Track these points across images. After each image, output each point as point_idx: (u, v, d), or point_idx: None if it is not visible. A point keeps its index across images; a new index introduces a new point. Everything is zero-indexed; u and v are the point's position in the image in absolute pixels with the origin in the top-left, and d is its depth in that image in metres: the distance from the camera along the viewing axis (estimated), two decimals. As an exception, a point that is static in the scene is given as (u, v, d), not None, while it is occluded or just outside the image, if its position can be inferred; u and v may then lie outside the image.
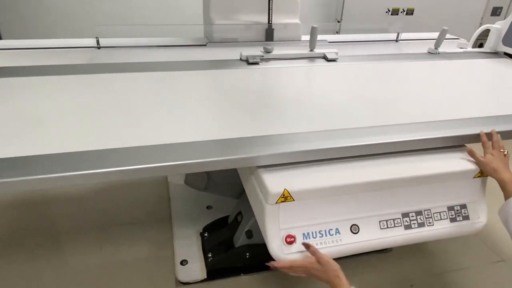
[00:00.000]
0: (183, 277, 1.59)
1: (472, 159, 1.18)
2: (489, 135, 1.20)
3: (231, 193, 1.78)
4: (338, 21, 3.43)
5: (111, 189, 2.15)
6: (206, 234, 1.77)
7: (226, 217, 1.82)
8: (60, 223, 1.90)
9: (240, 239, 1.58)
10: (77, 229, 1.86)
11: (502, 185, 1.10)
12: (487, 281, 1.66)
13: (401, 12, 3.48)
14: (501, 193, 1.10)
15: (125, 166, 0.95)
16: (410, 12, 3.50)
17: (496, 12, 3.71)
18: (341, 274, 1.01)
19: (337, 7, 3.46)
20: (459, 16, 3.56)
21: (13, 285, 1.55)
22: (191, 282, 1.58)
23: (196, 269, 1.62)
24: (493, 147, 1.18)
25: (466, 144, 1.25)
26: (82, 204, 2.03)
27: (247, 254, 1.59)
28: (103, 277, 1.60)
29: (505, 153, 1.17)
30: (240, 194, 1.74)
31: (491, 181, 1.15)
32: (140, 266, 1.66)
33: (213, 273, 1.60)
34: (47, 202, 2.04)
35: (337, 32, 3.29)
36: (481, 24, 2.50)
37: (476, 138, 1.21)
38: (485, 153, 1.17)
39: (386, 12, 3.45)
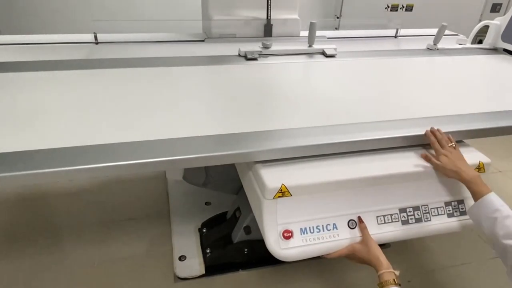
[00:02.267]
0: (181, 273, 1.59)
1: (430, 161, 1.12)
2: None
3: (229, 189, 1.78)
4: (337, 17, 3.42)
5: (109, 185, 2.15)
6: (204, 230, 1.78)
7: (225, 213, 1.82)
8: (58, 219, 1.90)
9: (238, 235, 1.58)
10: (75, 225, 1.86)
11: (467, 186, 1.06)
12: (485, 277, 1.67)
13: (401, 8, 3.47)
14: (498, 188, 1.10)
15: (122, 161, 0.94)
16: (409, 8, 3.49)
17: (495, 8, 3.71)
18: (382, 257, 1.04)
19: (336, 3, 3.45)
20: (459, 12, 3.55)
21: (12, 282, 1.55)
22: (189, 277, 1.59)
23: (194, 265, 1.62)
24: (442, 145, 1.12)
25: (464, 140, 1.25)
26: (80, 200, 2.03)
27: (246, 250, 1.59)
28: (101, 273, 1.60)
29: (454, 146, 1.12)
30: (239, 190, 1.74)
31: (487, 176, 1.14)
32: (139, 261, 1.66)
33: (211, 268, 1.61)
34: (44, 198, 2.04)
35: (336, 28, 3.28)
36: (480, 21, 2.49)
37: (475, 133, 1.21)
38: (437, 155, 1.11)
39: (386, 8, 3.45)
